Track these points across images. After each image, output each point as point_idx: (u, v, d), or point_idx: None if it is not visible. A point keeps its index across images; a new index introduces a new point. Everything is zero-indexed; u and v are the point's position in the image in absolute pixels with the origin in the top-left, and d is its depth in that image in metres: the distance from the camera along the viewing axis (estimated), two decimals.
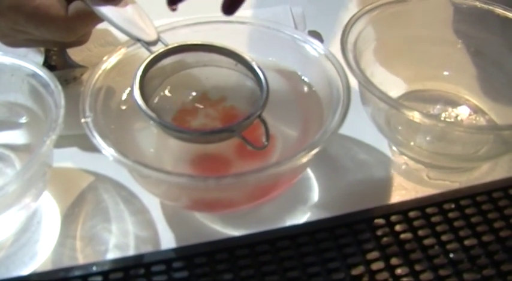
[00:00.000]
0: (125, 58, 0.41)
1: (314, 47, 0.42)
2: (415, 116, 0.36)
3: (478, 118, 0.47)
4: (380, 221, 0.40)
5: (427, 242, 0.39)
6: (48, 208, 0.42)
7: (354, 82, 0.39)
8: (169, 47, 0.39)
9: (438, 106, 0.48)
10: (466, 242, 0.39)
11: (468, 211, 0.41)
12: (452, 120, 0.47)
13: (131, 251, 0.39)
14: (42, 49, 0.49)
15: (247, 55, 0.39)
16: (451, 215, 0.41)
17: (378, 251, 0.38)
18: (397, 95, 0.48)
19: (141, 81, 0.37)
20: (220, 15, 0.44)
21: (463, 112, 0.48)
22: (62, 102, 0.37)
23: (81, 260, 0.39)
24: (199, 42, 0.40)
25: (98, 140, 0.34)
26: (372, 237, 0.39)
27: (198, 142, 0.37)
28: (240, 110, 0.41)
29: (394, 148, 0.47)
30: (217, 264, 0.38)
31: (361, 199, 0.42)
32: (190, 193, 0.38)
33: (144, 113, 0.36)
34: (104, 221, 0.41)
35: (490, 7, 0.46)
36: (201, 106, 0.42)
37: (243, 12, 0.44)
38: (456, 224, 0.40)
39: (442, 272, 0.37)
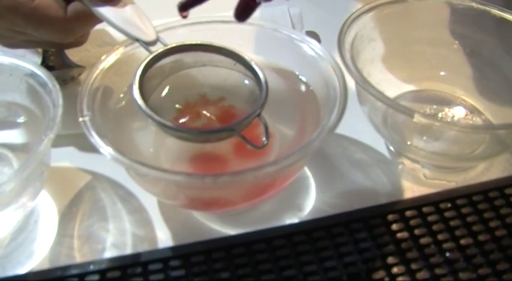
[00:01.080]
0: (123, 58, 0.41)
1: (311, 47, 0.42)
2: (412, 115, 0.37)
3: (474, 118, 0.48)
4: (376, 220, 0.40)
5: (423, 241, 0.39)
6: (46, 207, 0.42)
7: (351, 82, 0.39)
8: (168, 47, 0.39)
9: (434, 106, 0.48)
10: (462, 242, 0.39)
11: (464, 210, 0.41)
12: (449, 120, 0.47)
13: (128, 250, 0.39)
14: (40, 50, 0.49)
15: (246, 55, 0.39)
16: (447, 214, 0.41)
17: (374, 250, 0.39)
18: (394, 95, 0.49)
19: (141, 81, 0.37)
20: (217, 15, 0.44)
21: (459, 112, 0.48)
22: (60, 101, 0.37)
23: (78, 259, 0.39)
24: (198, 42, 0.40)
25: (96, 139, 0.34)
26: (368, 236, 0.39)
27: (197, 141, 0.37)
28: (239, 109, 0.41)
29: (390, 148, 0.47)
30: (214, 263, 0.38)
31: (357, 198, 0.42)
32: (188, 192, 0.38)
33: (144, 112, 0.36)
34: (101, 220, 0.41)
35: (486, 8, 0.47)
36: (200, 106, 0.42)
37: None
38: (452, 223, 0.40)
39: (438, 271, 0.37)
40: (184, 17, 0.41)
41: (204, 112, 0.42)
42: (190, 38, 0.41)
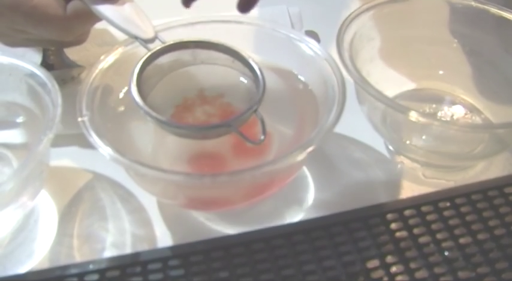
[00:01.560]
0: (122, 57, 0.41)
1: (310, 47, 0.42)
2: (411, 115, 0.37)
3: (473, 117, 0.47)
4: (375, 219, 0.40)
5: (422, 240, 0.39)
6: (45, 207, 0.42)
7: (350, 81, 0.39)
8: (167, 44, 0.39)
9: (434, 105, 0.48)
10: (461, 241, 0.39)
11: (463, 209, 0.41)
12: (448, 119, 0.47)
13: (128, 250, 0.39)
14: (40, 49, 0.49)
15: (243, 52, 0.39)
16: (446, 213, 0.41)
17: (373, 249, 0.39)
18: (393, 94, 0.49)
19: (139, 79, 0.37)
20: (216, 14, 0.44)
21: (458, 111, 0.48)
22: (59, 101, 0.37)
23: (78, 258, 0.39)
24: (196, 40, 0.40)
25: (95, 139, 0.34)
26: (367, 235, 0.39)
27: (195, 137, 0.37)
28: (237, 106, 0.41)
29: (390, 147, 0.47)
30: (213, 262, 0.38)
31: (356, 198, 0.42)
32: (187, 191, 0.38)
33: (142, 109, 0.36)
34: (100, 220, 0.41)
35: (485, 7, 0.46)
36: (199, 103, 0.42)
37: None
38: (451, 222, 0.40)
39: (437, 270, 0.37)
40: (188, 7, 0.41)
41: (203, 110, 0.41)
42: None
